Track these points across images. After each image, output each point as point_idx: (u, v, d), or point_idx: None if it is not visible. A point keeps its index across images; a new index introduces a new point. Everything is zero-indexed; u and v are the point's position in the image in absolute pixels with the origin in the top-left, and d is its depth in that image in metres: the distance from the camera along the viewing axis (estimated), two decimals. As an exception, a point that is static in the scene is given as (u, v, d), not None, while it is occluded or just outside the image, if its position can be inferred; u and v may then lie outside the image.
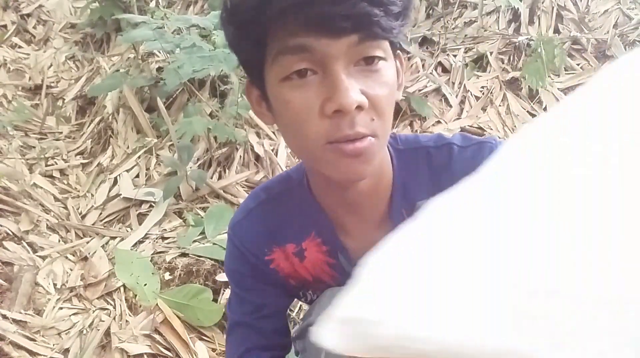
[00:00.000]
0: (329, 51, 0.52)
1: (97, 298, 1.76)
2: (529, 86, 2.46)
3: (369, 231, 0.74)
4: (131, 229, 2.03)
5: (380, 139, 0.57)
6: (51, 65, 3.12)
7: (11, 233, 1.96)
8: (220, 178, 2.19)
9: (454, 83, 2.57)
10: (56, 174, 2.40)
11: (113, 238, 2.01)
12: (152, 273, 1.71)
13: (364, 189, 0.68)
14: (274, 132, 2.33)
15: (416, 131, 2.35)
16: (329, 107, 0.53)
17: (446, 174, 0.70)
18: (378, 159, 0.60)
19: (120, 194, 2.17)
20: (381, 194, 0.71)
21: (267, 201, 0.79)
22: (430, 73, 2.60)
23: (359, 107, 0.53)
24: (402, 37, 0.59)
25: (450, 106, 2.48)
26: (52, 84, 3.01)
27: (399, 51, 0.63)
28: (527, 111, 2.42)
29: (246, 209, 0.80)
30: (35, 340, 1.61)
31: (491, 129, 2.32)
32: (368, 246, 0.30)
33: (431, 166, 0.71)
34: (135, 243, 1.94)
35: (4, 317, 1.64)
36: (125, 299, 1.71)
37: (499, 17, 2.79)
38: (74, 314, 1.74)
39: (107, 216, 2.13)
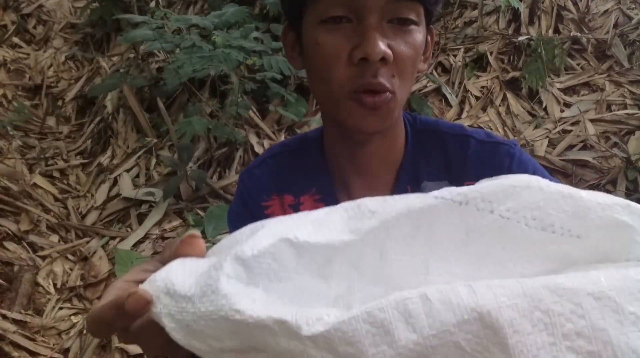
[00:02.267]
0: (367, 2, 0.56)
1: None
2: (529, 86, 2.46)
3: None
4: (131, 229, 2.03)
5: (397, 98, 0.60)
6: (51, 65, 3.12)
7: (11, 233, 1.96)
8: (220, 178, 2.19)
9: (454, 83, 2.57)
10: (56, 174, 2.40)
11: (113, 238, 2.01)
12: (152, 273, 1.72)
13: (374, 151, 0.70)
14: (273, 132, 2.33)
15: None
16: (356, 54, 0.57)
17: (459, 166, 0.70)
18: (392, 119, 0.63)
19: (120, 194, 2.17)
20: (390, 164, 0.73)
21: (280, 155, 0.82)
22: (431, 73, 2.61)
23: (384, 60, 0.57)
24: (437, 9, 0.63)
25: (450, 106, 2.48)
26: (52, 84, 3.01)
27: (431, 26, 0.67)
28: (527, 111, 2.42)
29: (260, 159, 0.83)
30: (35, 340, 1.61)
31: (491, 129, 2.32)
32: None
33: (445, 154, 0.72)
34: (135, 243, 1.94)
35: (4, 317, 1.64)
36: (126, 299, 1.72)
37: (499, 17, 2.79)
38: (74, 314, 1.74)
39: (107, 216, 2.13)
